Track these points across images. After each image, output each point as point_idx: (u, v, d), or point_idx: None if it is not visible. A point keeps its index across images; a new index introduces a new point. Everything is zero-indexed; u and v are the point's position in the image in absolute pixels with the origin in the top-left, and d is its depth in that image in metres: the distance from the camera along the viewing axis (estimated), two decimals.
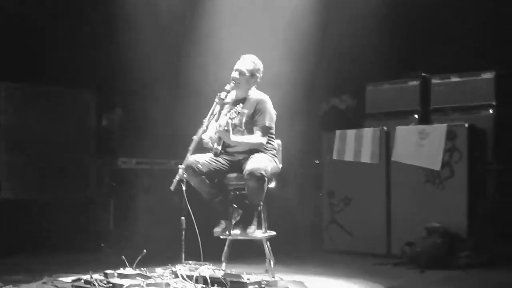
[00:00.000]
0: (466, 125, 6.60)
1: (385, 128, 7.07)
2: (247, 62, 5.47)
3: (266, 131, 5.36)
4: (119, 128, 7.99)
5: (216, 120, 5.34)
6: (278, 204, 6.52)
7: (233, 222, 5.35)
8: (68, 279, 5.17)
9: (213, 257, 5.24)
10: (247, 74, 5.43)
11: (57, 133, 7.40)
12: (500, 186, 6.92)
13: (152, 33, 7.89)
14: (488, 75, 7.19)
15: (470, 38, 7.62)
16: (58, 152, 7.39)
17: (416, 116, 7.52)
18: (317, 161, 8.18)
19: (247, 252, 5.87)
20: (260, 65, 5.52)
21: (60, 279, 5.25)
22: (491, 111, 7.11)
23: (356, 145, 7.17)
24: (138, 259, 5.07)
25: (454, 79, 7.40)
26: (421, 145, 6.77)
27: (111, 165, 7.81)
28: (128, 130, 8.14)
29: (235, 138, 5.25)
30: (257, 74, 5.50)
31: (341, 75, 8.21)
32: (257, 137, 5.32)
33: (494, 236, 6.58)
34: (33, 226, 7.01)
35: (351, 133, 7.26)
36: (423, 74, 7.60)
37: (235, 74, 5.43)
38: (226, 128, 5.13)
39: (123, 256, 5.09)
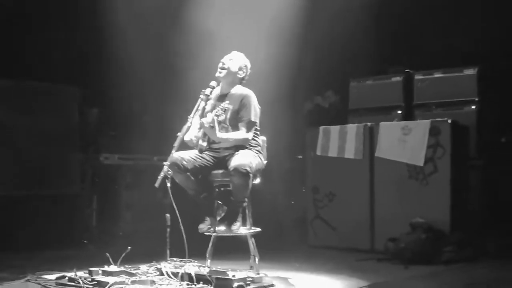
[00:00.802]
0: (449, 121, 6.63)
1: (368, 124, 7.09)
2: (236, 55, 5.49)
3: (251, 126, 5.35)
4: (95, 128, 7.94)
5: (201, 116, 5.32)
6: (263, 200, 6.53)
7: (218, 218, 5.34)
8: (52, 276, 5.11)
9: (198, 254, 5.22)
10: (234, 67, 5.42)
11: (40, 129, 7.32)
12: (483, 181, 6.99)
13: (138, 28, 7.84)
14: (470, 71, 7.26)
15: (453, 35, 7.68)
16: (41, 148, 7.31)
17: (399, 112, 7.58)
18: (300, 157, 8.20)
19: (232, 249, 5.85)
20: (247, 62, 5.54)
21: (44, 276, 5.19)
22: (473, 107, 7.17)
23: (340, 141, 7.18)
24: (122, 256, 5.05)
25: (437, 75, 7.47)
26: (404, 140, 6.79)
27: (94, 161, 7.77)
28: (108, 128, 8.10)
29: (220, 134, 5.24)
30: (244, 70, 5.51)
31: (324, 71, 8.23)
32: (242, 133, 5.32)
33: (477, 231, 6.64)
34: (16, 222, 6.93)
35: (334, 129, 7.27)
36: (406, 70, 7.65)
37: (223, 60, 5.43)
38: (211, 124, 5.12)
39: (107, 253, 5.06)
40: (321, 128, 7.34)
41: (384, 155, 6.88)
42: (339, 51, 8.07)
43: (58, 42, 7.72)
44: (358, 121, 7.41)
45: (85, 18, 7.92)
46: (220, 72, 5.42)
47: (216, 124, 5.17)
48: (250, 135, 5.34)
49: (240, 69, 5.48)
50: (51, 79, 7.56)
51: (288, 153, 8.08)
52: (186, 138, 5.32)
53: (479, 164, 7.03)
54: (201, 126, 5.25)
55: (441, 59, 7.59)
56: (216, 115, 5.18)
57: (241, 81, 5.53)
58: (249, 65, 5.55)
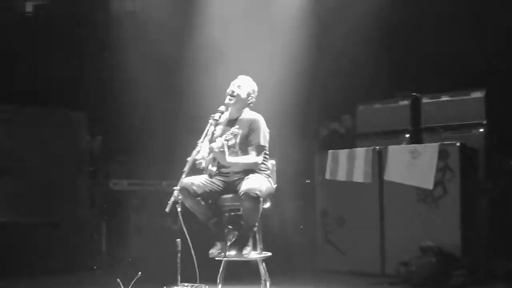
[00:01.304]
0: (458, 143, 6.63)
1: (377, 147, 7.09)
2: (244, 81, 5.53)
3: (260, 150, 5.37)
4: (98, 155, 7.97)
5: (210, 141, 5.34)
6: (273, 224, 6.54)
7: (229, 243, 5.33)
8: None
9: (209, 279, 5.21)
10: (243, 92, 5.46)
11: (48, 155, 7.35)
12: (492, 204, 6.96)
13: (145, 53, 7.90)
14: (477, 94, 7.26)
15: (460, 58, 7.71)
16: (49, 174, 7.34)
17: (407, 135, 7.57)
18: (308, 181, 8.20)
19: (243, 273, 5.84)
20: (255, 87, 5.58)
21: None
22: (481, 130, 7.17)
23: (349, 165, 7.18)
24: (133, 281, 5.04)
25: (444, 98, 7.47)
26: (413, 164, 6.79)
27: (103, 186, 7.79)
28: (116, 153, 8.11)
29: (230, 159, 5.26)
30: (252, 95, 5.54)
31: (333, 95, 8.26)
32: (252, 157, 5.33)
33: (488, 254, 6.61)
34: (26, 249, 6.94)
35: (343, 153, 7.28)
36: (413, 93, 7.67)
37: (232, 88, 5.46)
38: (221, 149, 5.14)
39: (118, 279, 5.05)
40: (330, 152, 7.34)
41: (393, 179, 6.87)
42: (347, 76, 8.11)
43: (64, 67, 7.78)
44: (366, 145, 7.40)
45: (91, 42, 7.99)
46: (230, 100, 5.45)
47: (226, 149, 5.19)
48: (259, 159, 5.35)
49: (248, 94, 5.52)
50: (59, 105, 7.60)
51: (297, 177, 8.07)
52: (198, 157, 5.32)
53: (488, 187, 7.01)
54: (211, 151, 5.27)
55: (449, 83, 7.61)
56: (226, 140, 5.20)
57: (249, 105, 5.56)
58: (256, 89, 5.59)
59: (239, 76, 5.57)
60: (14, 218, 7.02)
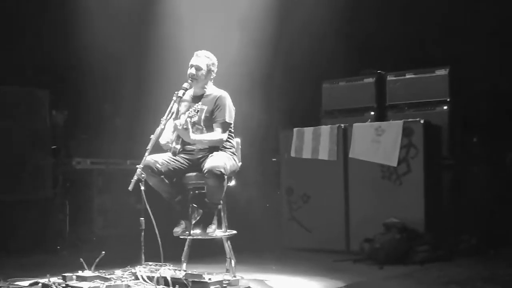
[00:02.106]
0: (422, 121, 6.67)
1: (342, 125, 7.10)
2: (202, 58, 5.44)
3: (226, 127, 5.33)
4: (64, 129, 7.85)
5: (174, 119, 5.28)
6: (238, 202, 6.52)
7: (193, 221, 5.30)
8: (25, 283, 5.04)
9: (174, 258, 5.19)
10: (204, 69, 5.40)
11: (10, 133, 7.22)
12: (455, 181, 7.04)
13: (109, 29, 7.78)
14: (442, 72, 7.30)
15: (424, 35, 7.74)
16: (11, 153, 7.21)
17: (372, 113, 7.60)
18: (274, 159, 8.19)
19: (208, 252, 5.82)
20: (214, 59, 5.50)
21: (17, 283, 5.12)
22: (445, 107, 7.22)
23: (314, 142, 7.18)
24: (96, 261, 4.98)
25: (409, 75, 7.50)
26: (378, 141, 6.82)
27: (66, 165, 7.68)
28: (79, 131, 8.01)
29: (194, 136, 5.21)
30: (213, 69, 5.47)
31: (297, 73, 8.24)
32: (217, 134, 5.29)
33: (451, 230, 6.69)
34: None
35: (308, 130, 7.27)
36: (378, 71, 7.68)
37: (191, 70, 5.40)
38: (185, 126, 5.09)
39: (81, 258, 4.99)
40: (295, 129, 7.33)
41: (358, 156, 6.90)
42: (311, 53, 8.08)
43: (26, 45, 7.62)
44: (331, 122, 7.43)
45: (53, 19, 7.84)
46: (191, 81, 5.38)
47: (189, 126, 5.14)
48: (224, 136, 5.32)
49: (209, 71, 5.44)
50: (20, 83, 7.45)
51: (262, 155, 8.06)
52: (162, 141, 5.28)
53: (452, 164, 7.08)
54: (175, 128, 5.21)
55: (412, 60, 7.64)
56: (189, 117, 5.15)
57: (211, 79, 5.49)
58: (215, 61, 5.48)
59: (195, 54, 5.46)
60: None
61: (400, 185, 6.64)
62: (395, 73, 7.55)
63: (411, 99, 7.39)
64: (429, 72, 7.35)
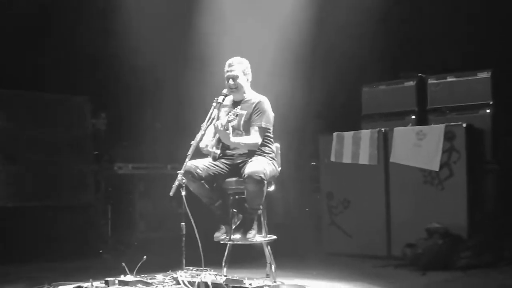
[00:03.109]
0: (464, 125, 6.59)
1: (382, 129, 7.05)
2: (235, 65, 5.44)
3: (262, 131, 5.33)
4: (105, 135, 7.95)
5: (214, 125, 5.30)
6: (278, 207, 6.51)
7: (233, 226, 5.31)
8: (69, 287, 5.12)
9: (214, 263, 5.20)
10: (240, 76, 5.40)
11: (53, 140, 7.34)
12: (499, 185, 6.92)
13: (150, 34, 7.84)
14: (484, 74, 7.18)
15: (466, 37, 7.63)
16: (54, 159, 7.32)
17: (413, 116, 7.51)
18: (313, 163, 8.17)
19: (248, 257, 5.83)
20: (247, 62, 5.48)
21: (60, 287, 5.20)
22: (488, 110, 7.10)
23: (354, 147, 7.14)
24: (138, 265, 5.03)
25: (450, 79, 7.39)
26: (419, 145, 6.75)
27: (108, 171, 7.77)
28: (120, 137, 8.09)
29: (234, 138, 5.22)
30: (248, 72, 5.47)
31: (336, 77, 8.20)
32: (252, 137, 5.29)
33: (495, 235, 6.57)
34: (31, 234, 6.94)
35: (348, 135, 7.24)
36: (419, 74, 7.59)
37: (230, 82, 5.40)
38: (226, 128, 5.10)
39: (123, 263, 5.04)
40: (335, 134, 7.31)
41: (398, 161, 6.84)
42: (350, 57, 8.04)
43: (67, 52, 7.73)
44: (371, 126, 7.36)
45: (94, 25, 7.93)
46: (231, 91, 5.39)
47: (230, 128, 5.16)
48: (259, 140, 5.31)
49: (244, 74, 5.44)
50: (62, 90, 7.57)
51: (302, 160, 8.04)
52: (201, 145, 5.31)
53: (495, 168, 6.95)
54: (216, 129, 5.23)
55: (454, 63, 7.54)
56: (228, 121, 5.17)
57: (249, 83, 5.50)
58: (248, 65, 5.46)
59: (227, 63, 5.43)
60: (21, 204, 7.02)
61: (442, 190, 6.56)
62: (436, 76, 7.45)
63: (453, 102, 7.27)
64: (471, 75, 7.23)
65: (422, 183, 6.67)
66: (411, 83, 7.57)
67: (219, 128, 5.11)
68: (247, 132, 5.34)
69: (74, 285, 5.07)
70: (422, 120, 7.37)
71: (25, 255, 6.78)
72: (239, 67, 5.43)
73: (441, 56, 7.83)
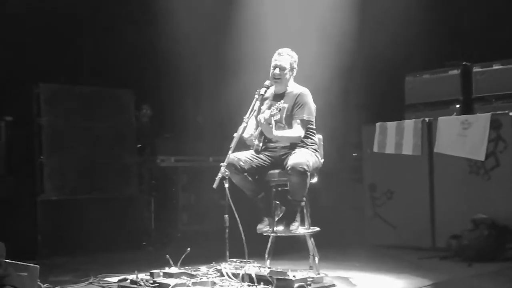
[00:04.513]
0: (511, 113, 6.45)
1: (426, 119, 6.96)
2: (285, 56, 5.42)
3: (304, 124, 5.30)
4: (148, 126, 8.00)
5: (256, 117, 5.29)
6: (320, 199, 6.47)
7: (276, 218, 5.31)
8: (114, 279, 5.18)
9: (257, 255, 5.20)
10: (288, 68, 5.39)
11: (97, 133, 7.42)
12: None
13: (191, 27, 7.86)
14: None
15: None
16: (98, 152, 7.41)
17: (457, 106, 7.38)
18: (355, 154, 8.11)
19: (291, 249, 5.81)
20: (296, 56, 5.49)
21: (106, 279, 5.27)
22: None
23: (397, 137, 7.07)
24: (182, 257, 5.06)
25: (496, 66, 7.23)
26: (464, 135, 6.64)
27: (151, 163, 7.84)
28: (163, 130, 8.14)
29: (276, 132, 5.21)
30: (295, 66, 5.46)
31: (379, 66, 8.10)
32: (295, 131, 5.28)
33: None
34: (76, 226, 7.03)
35: (391, 125, 7.16)
36: (463, 62, 7.45)
37: (276, 71, 5.38)
38: (268, 121, 5.08)
39: (167, 255, 5.08)
40: (378, 124, 7.24)
41: (443, 151, 6.74)
42: (393, 45, 7.93)
43: (110, 46, 7.80)
44: (415, 116, 7.26)
45: (136, 19, 7.99)
46: (275, 81, 5.38)
47: (272, 122, 5.14)
48: (302, 133, 5.29)
49: (291, 68, 5.43)
50: (106, 83, 7.64)
51: (344, 150, 7.98)
52: (245, 135, 5.30)
53: None
54: (258, 123, 5.22)
55: (499, 51, 7.38)
56: (271, 114, 5.15)
57: (293, 76, 5.47)
58: (296, 57, 5.46)
59: (278, 52, 5.44)
60: (66, 197, 7.11)
61: (488, 179, 6.44)
62: (481, 64, 7.30)
63: (499, 90, 7.10)
64: None
65: (468, 173, 6.57)
66: (456, 71, 7.43)
67: (262, 122, 5.10)
68: (289, 125, 5.32)
69: (120, 277, 5.13)
70: (467, 109, 7.23)
71: (70, 248, 6.88)
72: (288, 59, 5.41)
73: (486, 44, 7.67)
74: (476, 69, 7.31)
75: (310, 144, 5.39)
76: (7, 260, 4.40)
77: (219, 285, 4.73)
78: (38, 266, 4.61)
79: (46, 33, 7.33)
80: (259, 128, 5.30)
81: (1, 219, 6.40)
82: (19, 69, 6.98)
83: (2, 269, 4.30)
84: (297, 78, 5.53)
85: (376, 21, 7.89)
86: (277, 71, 5.37)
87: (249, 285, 4.64)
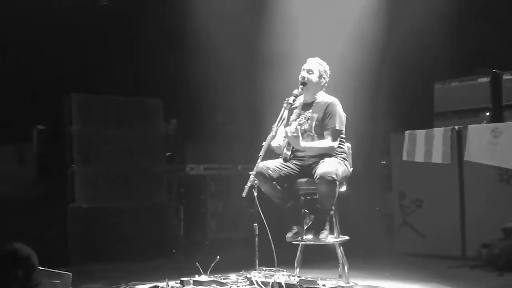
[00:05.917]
0: None
1: (456, 127, 6.92)
2: (314, 63, 5.45)
3: (336, 134, 5.30)
4: (177, 137, 8.06)
5: (285, 125, 5.31)
6: (349, 207, 6.46)
7: (305, 227, 5.32)
8: (145, 286, 5.23)
9: (286, 263, 5.21)
10: (315, 73, 5.40)
11: (127, 142, 7.49)
12: None
13: (220, 36, 7.90)
14: None
15: None
16: (128, 160, 7.48)
17: (487, 113, 7.33)
18: (383, 162, 8.08)
19: (320, 257, 5.81)
20: (327, 67, 5.50)
21: (137, 286, 5.32)
22: None
23: (427, 145, 7.04)
24: (212, 265, 5.09)
25: None
26: (494, 143, 6.59)
27: (180, 171, 7.89)
28: (188, 138, 8.19)
29: (304, 143, 5.22)
30: (324, 76, 5.47)
31: (407, 73, 8.09)
32: (327, 141, 5.27)
33: None
34: (106, 233, 7.10)
35: (421, 133, 7.14)
36: (493, 70, 7.40)
37: (303, 73, 5.41)
38: (295, 134, 5.10)
39: (197, 263, 5.12)
40: (407, 132, 7.21)
41: (473, 159, 6.69)
42: (421, 53, 7.91)
43: (139, 56, 7.88)
44: (444, 124, 7.22)
45: (165, 28, 8.06)
46: (301, 89, 5.40)
47: (299, 133, 5.15)
48: (335, 144, 5.29)
49: (320, 77, 5.44)
50: (134, 93, 7.72)
51: (372, 158, 7.96)
52: (274, 144, 5.33)
53: None
54: (285, 135, 5.24)
55: None
56: (299, 124, 5.16)
57: (323, 87, 5.49)
58: (328, 69, 5.49)
59: (308, 60, 5.48)
60: (96, 204, 7.18)
61: None
62: (511, 72, 7.25)
63: None
64: None
65: (498, 182, 6.51)
66: (485, 79, 7.37)
67: (289, 134, 5.11)
68: (319, 135, 5.32)
69: (150, 285, 5.17)
70: (497, 117, 7.17)
71: (100, 255, 6.93)
72: (316, 65, 5.44)
73: None
74: (506, 77, 7.26)
75: (339, 152, 5.39)
76: (40, 268, 4.47)
77: None
78: (70, 273, 4.67)
79: (79, 45, 7.44)
80: None
81: (32, 226, 6.49)
82: (51, 79, 7.10)
83: (35, 277, 4.36)
84: (327, 86, 5.54)
85: (405, 29, 7.87)
86: (304, 73, 5.40)
87: None
